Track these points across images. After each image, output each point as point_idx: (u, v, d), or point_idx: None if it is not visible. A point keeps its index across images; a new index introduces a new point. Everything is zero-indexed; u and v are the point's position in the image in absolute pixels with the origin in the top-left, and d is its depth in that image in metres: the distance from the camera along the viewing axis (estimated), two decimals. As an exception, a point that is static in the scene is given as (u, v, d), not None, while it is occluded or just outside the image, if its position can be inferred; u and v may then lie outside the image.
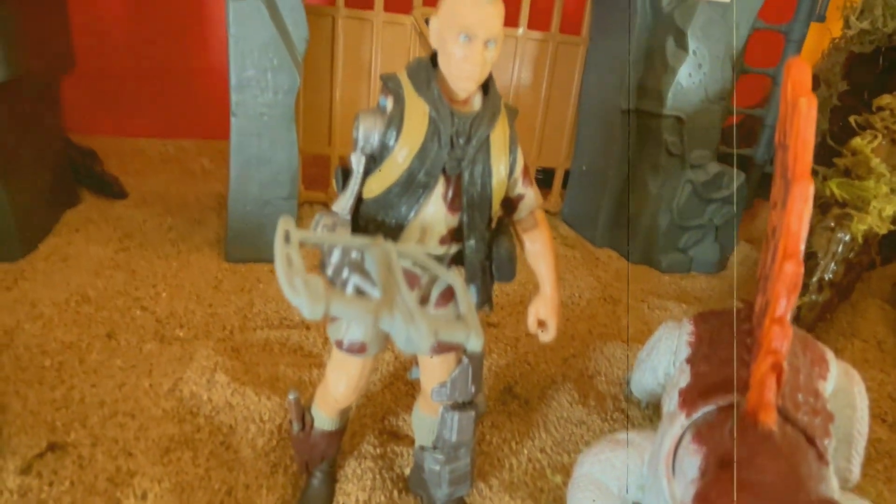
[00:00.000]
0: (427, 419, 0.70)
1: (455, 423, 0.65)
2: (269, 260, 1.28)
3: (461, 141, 0.54)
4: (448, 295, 0.63)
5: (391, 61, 1.52)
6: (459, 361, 0.64)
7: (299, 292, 0.35)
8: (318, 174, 1.72)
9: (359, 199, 0.57)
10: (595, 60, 1.61)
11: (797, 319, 1.11)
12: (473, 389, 0.65)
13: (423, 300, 0.62)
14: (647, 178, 1.51)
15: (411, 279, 0.59)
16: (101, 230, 1.34)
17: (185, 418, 0.80)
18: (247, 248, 1.27)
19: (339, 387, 0.64)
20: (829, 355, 0.75)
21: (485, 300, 0.64)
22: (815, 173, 1.32)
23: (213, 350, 0.94)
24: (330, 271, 0.49)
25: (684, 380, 0.67)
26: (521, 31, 1.59)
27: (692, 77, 1.38)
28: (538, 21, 1.62)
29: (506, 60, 1.62)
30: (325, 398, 0.67)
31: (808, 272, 1.10)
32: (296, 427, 0.68)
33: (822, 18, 1.62)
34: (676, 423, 0.58)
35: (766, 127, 1.70)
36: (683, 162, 1.46)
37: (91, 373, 0.88)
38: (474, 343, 0.42)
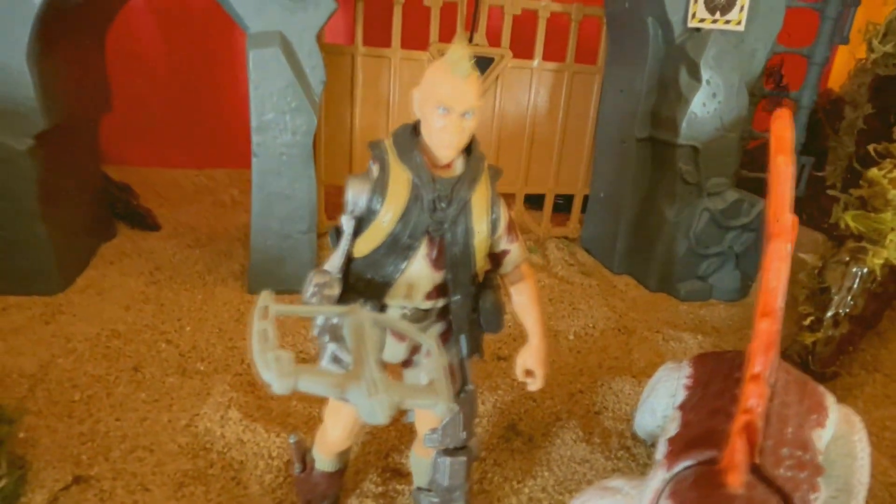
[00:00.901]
0: (422, 462, 0.72)
1: (447, 468, 0.67)
2: (289, 292, 1.33)
3: (443, 204, 0.57)
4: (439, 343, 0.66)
5: (409, 95, 1.56)
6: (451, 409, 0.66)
7: (270, 368, 0.39)
8: (339, 204, 1.77)
9: (349, 258, 0.61)
10: (610, 89, 1.62)
11: (812, 355, 1.10)
12: (464, 435, 0.67)
13: (414, 351, 0.65)
14: (663, 205, 1.50)
15: (399, 337, 0.62)
16: (133, 263, 1.42)
17: (199, 454, 0.85)
18: (268, 280, 1.32)
19: (335, 431, 0.68)
20: (829, 401, 0.74)
21: (474, 349, 0.66)
22: (836, 201, 1.30)
23: (230, 385, 0.99)
24: (315, 331, 0.52)
25: (674, 428, 0.67)
26: (536, 63, 1.62)
27: (706, 106, 1.38)
28: (554, 52, 1.64)
29: (522, 91, 1.65)
30: (324, 441, 0.70)
31: (822, 307, 1.08)
32: (297, 468, 0.72)
33: (845, 41, 1.59)
34: (658, 475, 0.59)
35: (790, 151, 1.67)
36: (700, 190, 1.46)
37: (117, 406, 0.94)
38: (441, 410, 0.44)
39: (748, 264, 1.54)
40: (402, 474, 0.85)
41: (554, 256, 1.69)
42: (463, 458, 0.68)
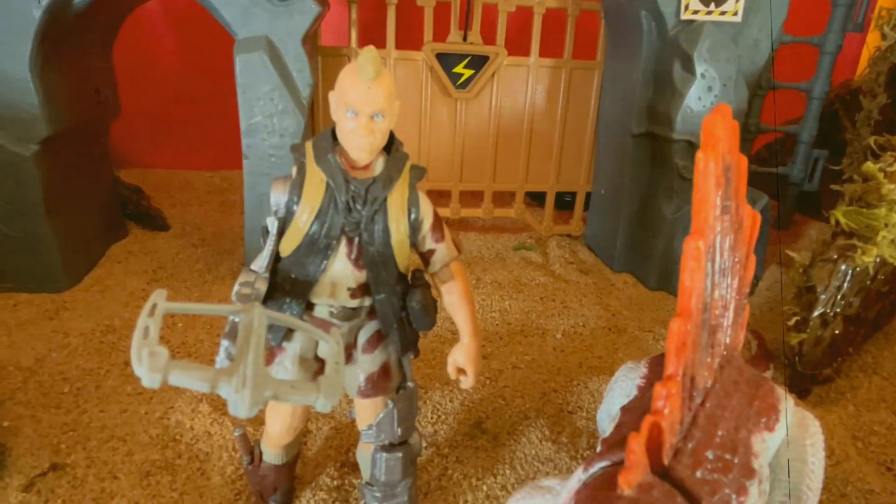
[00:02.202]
0: (366, 457, 0.74)
1: (383, 463, 0.69)
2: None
3: (358, 205, 0.58)
4: (374, 342, 0.67)
5: (404, 95, 1.58)
6: (385, 405, 0.68)
7: (143, 363, 0.41)
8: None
9: (277, 257, 0.63)
10: (610, 84, 1.60)
11: (799, 356, 1.06)
12: (399, 432, 0.68)
13: (350, 347, 0.67)
14: (661, 202, 1.47)
15: (327, 327, 0.63)
16: (139, 262, 1.48)
17: (168, 445, 0.88)
18: (261, 278, 1.36)
19: (274, 426, 0.70)
20: (784, 404, 0.72)
21: (408, 347, 0.67)
22: (841, 196, 1.25)
23: (208, 379, 1.02)
24: (227, 329, 0.54)
25: (610, 429, 0.67)
26: (532, 59, 1.61)
27: (702, 100, 1.35)
28: (552, 48, 1.63)
29: (520, 88, 1.64)
30: (267, 436, 0.72)
31: (808, 307, 1.04)
32: (245, 460, 0.74)
33: (859, 28, 1.52)
34: (576, 475, 0.58)
35: (802, 144, 1.61)
36: (699, 186, 1.42)
37: (103, 398, 0.99)
38: (323, 405, 0.45)
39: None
40: (359, 470, 0.87)
41: (554, 254, 1.67)
42: (399, 454, 0.69)
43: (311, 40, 1.37)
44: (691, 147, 1.39)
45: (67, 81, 1.29)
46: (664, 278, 1.49)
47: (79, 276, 1.37)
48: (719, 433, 0.62)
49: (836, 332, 1.08)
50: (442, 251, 0.64)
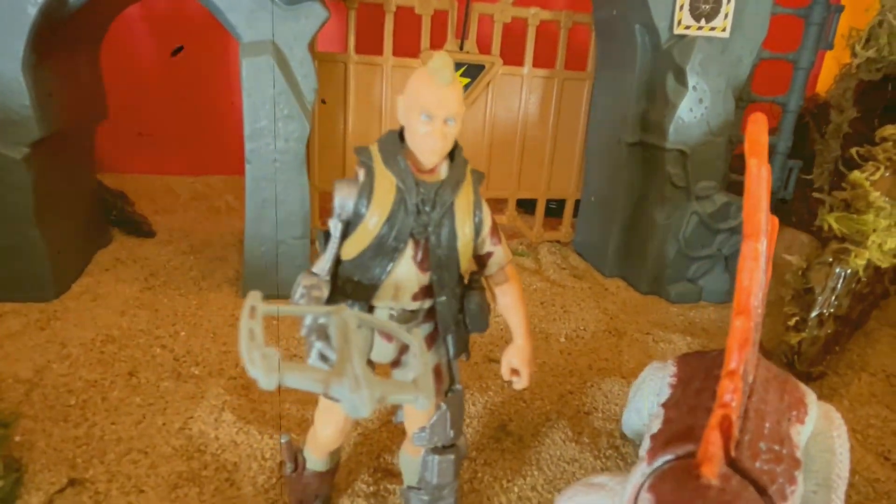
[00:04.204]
0: (412, 460, 0.74)
1: (435, 466, 0.69)
2: (283, 297, 1.35)
3: (427, 208, 0.59)
4: (428, 342, 0.67)
5: (401, 102, 1.58)
6: (438, 407, 0.68)
7: (256, 366, 0.40)
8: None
9: (338, 261, 0.62)
10: (600, 95, 1.65)
11: (798, 355, 1.12)
12: (452, 434, 0.69)
13: (403, 351, 0.67)
14: (653, 209, 1.52)
15: (387, 336, 0.63)
16: (129, 269, 1.43)
17: (194, 456, 0.86)
18: (262, 285, 1.33)
19: (325, 431, 0.69)
20: (810, 398, 0.76)
21: (461, 350, 0.68)
22: (822, 203, 1.33)
23: (224, 388, 1.00)
24: (304, 331, 0.54)
25: (657, 425, 0.69)
26: (526, 69, 1.64)
27: (693, 111, 1.41)
28: (545, 59, 1.67)
29: (513, 97, 1.67)
30: (315, 441, 0.71)
31: (807, 308, 1.10)
32: (289, 468, 0.73)
33: (830, 46, 1.61)
34: (639, 470, 0.60)
35: (778, 154, 1.70)
36: (689, 193, 1.48)
37: (112, 410, 0.95)
38: (422, 404, 0.46)
39: (737, 266, 1.56)
40: (394, 474, 0.87)
41: (546, 260, 1.70)
42: (451, 457, 0.69)
43: (310, 46, 1.36)
44: (682, 156, 1.45)
45: (60, 82, 1.24)
46: (656, 282, 1.54)
47: (66, 285, 1.32)
48: (767, 425, 0.65)
49: (829, 331, 1.14)
50: (499, 254, 0.66)
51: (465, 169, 0.62)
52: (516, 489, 0.87)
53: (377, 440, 0.92)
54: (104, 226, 1.55)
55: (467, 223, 0.61)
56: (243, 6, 1.19)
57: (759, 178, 0.60)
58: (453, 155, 0.62)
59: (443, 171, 0.61)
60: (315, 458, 0.73)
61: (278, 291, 1.34)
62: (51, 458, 0.83)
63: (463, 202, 0.61)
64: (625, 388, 1.10)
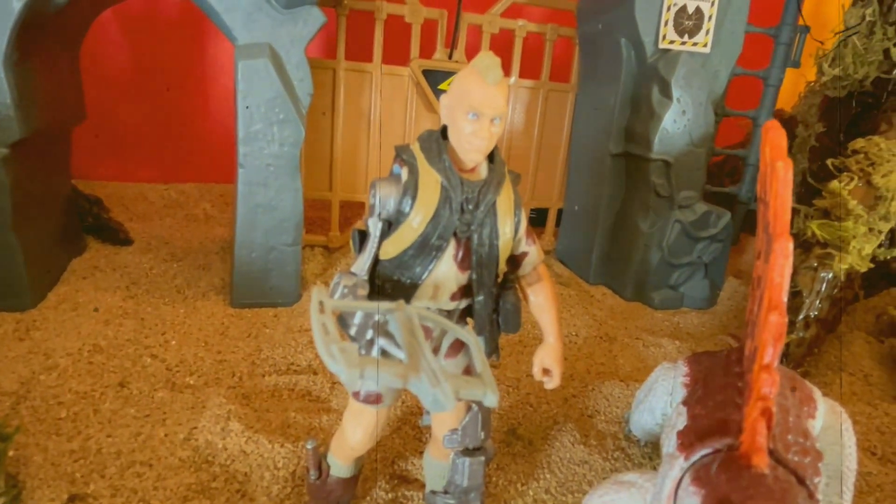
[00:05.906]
0: (438, 464, 0.73)
1: (466, 468, 0.68)
2: (274, 305, 1.32)
3: (470, 206, 0.59)
4: (457, 346, 0.67)
5: (390, 110, 1.58)
6: (469, 409, 0.68)
7: (337, 360, 0.39)
8: (318, 217, 1.77)
9: (376, 260, 0.62)
10: (584, 106, 1.68)
11: (786, 356, 1.16)
12: (483, 435, 0.68)
13: (435, 351, 0.66)
14: (637, 218, 1.56)
15: (425, 332, 0.63)
16: (108, 278, 1.37)
17: (202, 467, 0.83)
18: (253, 293, 1.30)
19: (355, 435, 0.68)
20: (817, 394, 0.79)
21: (493, 350, 0.68)
22: (796, 212, 1.39)
23: (225, 398, 0.97)
24: (353, 331, 0.53)
25: (681, 422, 0.70)
26: (513, 80, 1.67)
27: (677, 123, 1.45)
28: (530, 70, 1.70)
29: (499, 107, 1.69)
30: (342, 446, 0.70)
31: (795, 310, 1.15)
32: (313, 475, 0.71)
33: (796, 64, 1.71)
34: (676, 465, 0.61)
35: (749, 166, 1.77)
36: (672, 202, 1.52)
37: (106, 423, 0.91)
38: (491, 399, 0.46)
39: (716, 274, 1.61)
40: (409, 480, 0.85)
41: (531, 268, 1.72)
42: (481, 458, 0.69)
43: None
44: (666, 166, 1.49)
45: (41, 81, 1.19)
46: (639, 289, 1.58)
47: (42, 293, 1.25)
48: (790, 419, 0.67)
49: (812, 333, 1.19)
50: (534, 254, 0.66)
51: (504, 169, 0.63)
52: (531, 492, 0.87)
53: (391, 447, 0.91)
54: (79, 233, 1.49)
55: (508, 222, 0.61)
56: (241, 8, 1.17)
57: (787, 181, 0.62)
58: (492, 155, 0.62)
59: (483, 171, 0.61)
60: (340, 464, 0.71)
61: (268, 300, 1.32)
62: (48, 473, 0.79)
63: (504, 201, 0.61)
64: (624, 390, 1.12)
